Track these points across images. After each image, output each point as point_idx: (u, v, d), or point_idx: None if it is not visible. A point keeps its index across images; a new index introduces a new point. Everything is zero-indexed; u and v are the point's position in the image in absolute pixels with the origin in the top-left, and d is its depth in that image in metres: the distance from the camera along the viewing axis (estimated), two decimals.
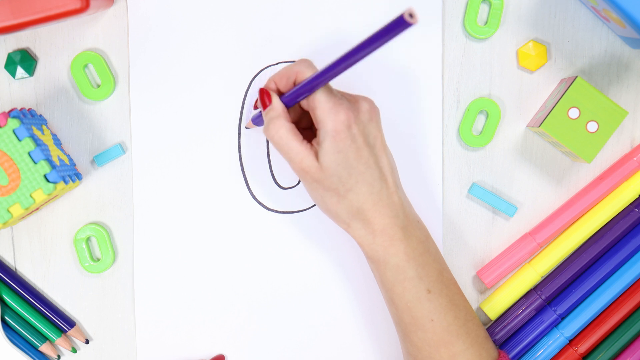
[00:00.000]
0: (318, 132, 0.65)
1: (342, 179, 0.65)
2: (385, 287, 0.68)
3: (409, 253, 0.67)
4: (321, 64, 0.76)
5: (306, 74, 0.66)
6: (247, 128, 0.77)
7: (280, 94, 0.68)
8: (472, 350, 0.68)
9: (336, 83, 0.70)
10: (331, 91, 0.66)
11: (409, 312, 0.68)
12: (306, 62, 0.67)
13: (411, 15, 0.54)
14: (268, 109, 0.67)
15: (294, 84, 0.67)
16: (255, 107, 0.72)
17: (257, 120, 0.73)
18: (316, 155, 0.65)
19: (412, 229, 0.68)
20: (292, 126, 0.66)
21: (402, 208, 0.67)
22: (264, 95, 0.68)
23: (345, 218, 0.67)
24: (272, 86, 0.68)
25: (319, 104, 0.65)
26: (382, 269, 0.67)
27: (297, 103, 0.67)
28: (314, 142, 0.66)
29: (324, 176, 0.65)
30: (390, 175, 0.67)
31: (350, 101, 0.66)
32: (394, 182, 0.67)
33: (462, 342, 0.68)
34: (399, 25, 0.56)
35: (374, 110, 0.67)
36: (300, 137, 0.66)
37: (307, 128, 0.70)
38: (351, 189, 0.66)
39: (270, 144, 0.77)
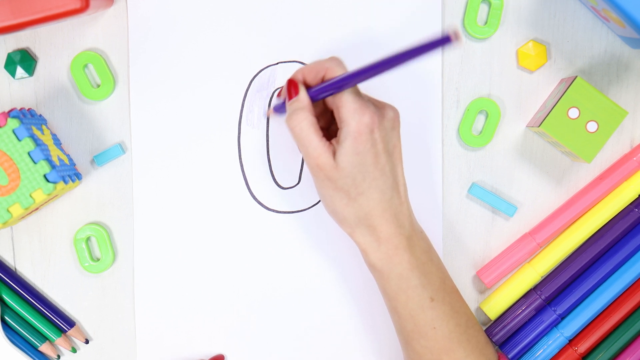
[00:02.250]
0: (339, 131, 0.65)
1: (356, 181, 0.65)
2: (388, 296, 0.69)
3: (412, 262, 0.67)
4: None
5: (336, 72, 0.66)
6: (266, 117, 0.76)
7: (307, 87, 0.67)
8: (473, 356, 0.69)
9: None
10: (359, 93, 0.66)
11: (411, 320, 0.68)
12: (337, 60, 0.67)
13: (456, 35, 0.56)
14: (294, 99, 0.66)
15: (322, 80, 0.67)
16: (279, 96, 0.71)
17: (279, 109, 0.72)
18: (334, 154, 0.65)
19: (416, 238, 0.68)
20: (314, 121, 0.65)
21: (409, 218, 0.68)
22: (291, 86, 0.67)
23: (351, 222, 0.67)
24: (300, 77, 0.68)
25: (345, 104, 0.65)
26: (386, 277, 0.68)
27: (322, 99, 0.67)
28: (333, 141, 0.66)
29: (338, 176, 0.65)
30: (402, 186, 0.67)
31: (377, 106, 0.66)
32: (405, 193, 0.68)
33: (463, 349, 0.68)
34: (441, 42, 0.57)
35: (397, 119, 0.67)
36: (321, 133, 0.66)
37: (325, 127, 0.70)
38: (363, 193, 0.66)
39: (270, 143, 0.77)
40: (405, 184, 0.68)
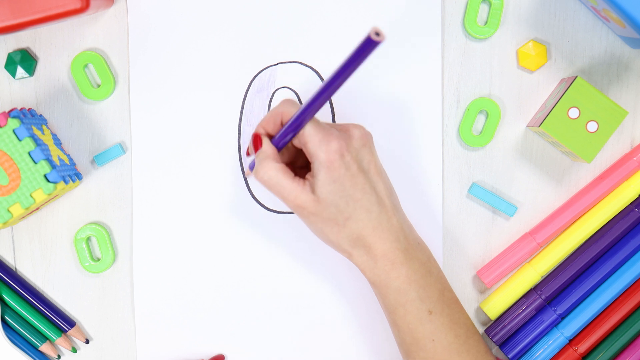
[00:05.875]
0: (312, 165, 0.66)
1: (340, 208, 0.66)
2: (387, 310, 0.69)
3: (410, 276, 0.67)
4: (321, 65, 0.77)
5: (291, 113, 0.67)
6: (247, 176, 0.77)
7: (271, 138, 0.68)
8: None
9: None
10: (319, 124, 0.66)
11: (410, 333, 0.68)
12: (289, 102, 0.68)
13: (377, 34, 0.55)
14: (258, 152, 0.68)
15: (282, 125, 0.68)
16: (248, 154, 0.72)
17: (253, 166, 0.72)
18: (311, 188, 0.66)
19: (413, 251, 0.68)
20: (282, 165, 0.66)
21: (402, 231, 0.68)
22: (255, 140, 0.68)
23: (346, 247, 0.67)
24: (262, 131, 0.69)
25: (309, 138, 0.65)
26: (384, 292, 0.68)
27: (288, 142, 0.68)
28: (307, 176, 0.67)
29: (321, 208, 0.66)
30: (387, 199, 0.67)
31: (341, 130, 0.67)
32: (392, 205, 0.68)
33: None
34: (367, 46, 0.56)
35: (365, 136, 0.67)
36: (292, 174, 0.66)
37: (303, 167, 0.71)
38: (350, 217, 0.66)
39: None
40: (392, 196, 0.68)
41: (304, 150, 0.66)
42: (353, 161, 0.66)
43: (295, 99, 0.77)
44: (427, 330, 0.68)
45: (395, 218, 0.67)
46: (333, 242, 0.68)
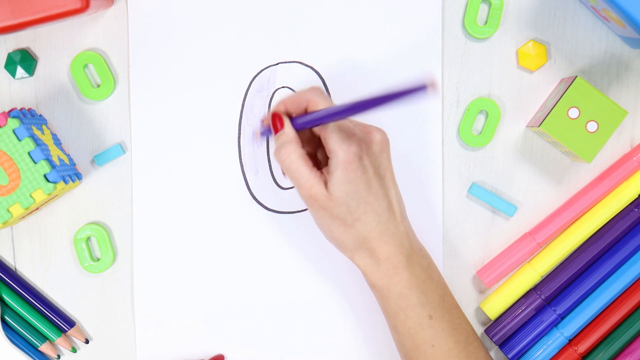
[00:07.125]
0: (329, 161, 0.66)
1: (351, 208, 0.66)
2: (388, 315, 0.69)
3: (411, 281, 0.67)
4: (321, 65, 0.77)
5: (318, 104, 0.67)
6: (254, 139, 0.77)
7: (290, 117, 0.68)
8: None
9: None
10: (342, 121, 0.66)
11: (410, 338, 0.68)
12: (318, 91, 0.68)
13: (432, 85, 0.57)
14: (280, 133, 0.67)
15: (305, 111, 0.68)
16: (263, 122, 0.71)
17: (265, 134, 0.73)
18: (325, 183, 0.66)
19: (416, 256, 0.68)
20: (303, 152, 0.66)
21: (407, 237, 0.68)
22: (276, 119, 0.68)
23: (351, 247, 0.67)
24: (282, 109, 0.68)
25: (331, 134, 0.65)
26: (385, 297, 0.68)
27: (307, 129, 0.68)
28: (324, 170, 0.67)
29: (332, 205, 0.66)
30: (397, 206, 0.68)
31: (363, 132, 0.67)
32: (400, 212, 0.68)
33: None
34: (420, 89, 0.59)
35: (385, 141, 0.68)
36: (311, 163, 0.66)
37: (312, 153, 0.71)
38: (359, 219, 0.66)
39: (270, 144, 0.77)
40: (401, 203, 0.69)
41: (323, 141, 0.67)
42: (370, 165, 0.66)
43: None
44: (428, 336, 0.68)
45: (402, 225, 0.68)
46: (337, 241, 0.68)
